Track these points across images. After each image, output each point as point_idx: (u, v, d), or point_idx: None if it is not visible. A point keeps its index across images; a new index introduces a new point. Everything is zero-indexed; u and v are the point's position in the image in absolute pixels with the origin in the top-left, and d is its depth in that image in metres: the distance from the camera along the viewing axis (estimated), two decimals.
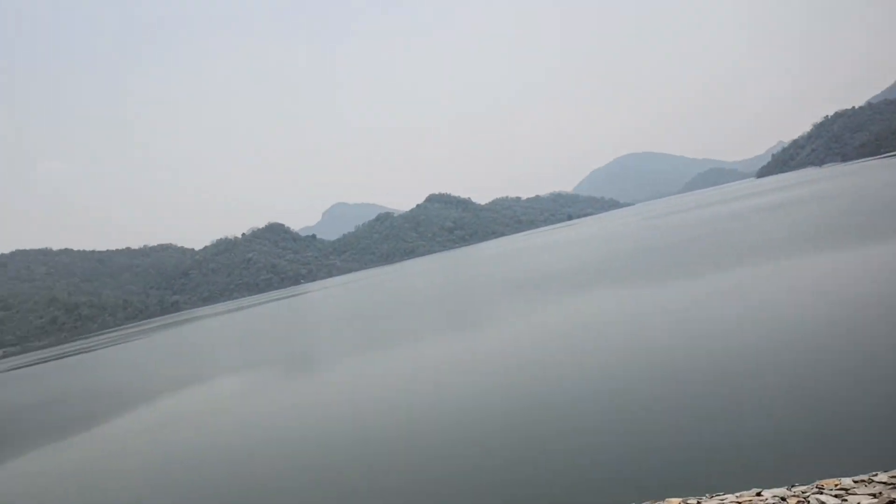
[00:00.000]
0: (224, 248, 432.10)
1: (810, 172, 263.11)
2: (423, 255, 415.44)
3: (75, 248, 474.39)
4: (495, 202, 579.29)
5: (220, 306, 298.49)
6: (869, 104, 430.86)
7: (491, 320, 47.20)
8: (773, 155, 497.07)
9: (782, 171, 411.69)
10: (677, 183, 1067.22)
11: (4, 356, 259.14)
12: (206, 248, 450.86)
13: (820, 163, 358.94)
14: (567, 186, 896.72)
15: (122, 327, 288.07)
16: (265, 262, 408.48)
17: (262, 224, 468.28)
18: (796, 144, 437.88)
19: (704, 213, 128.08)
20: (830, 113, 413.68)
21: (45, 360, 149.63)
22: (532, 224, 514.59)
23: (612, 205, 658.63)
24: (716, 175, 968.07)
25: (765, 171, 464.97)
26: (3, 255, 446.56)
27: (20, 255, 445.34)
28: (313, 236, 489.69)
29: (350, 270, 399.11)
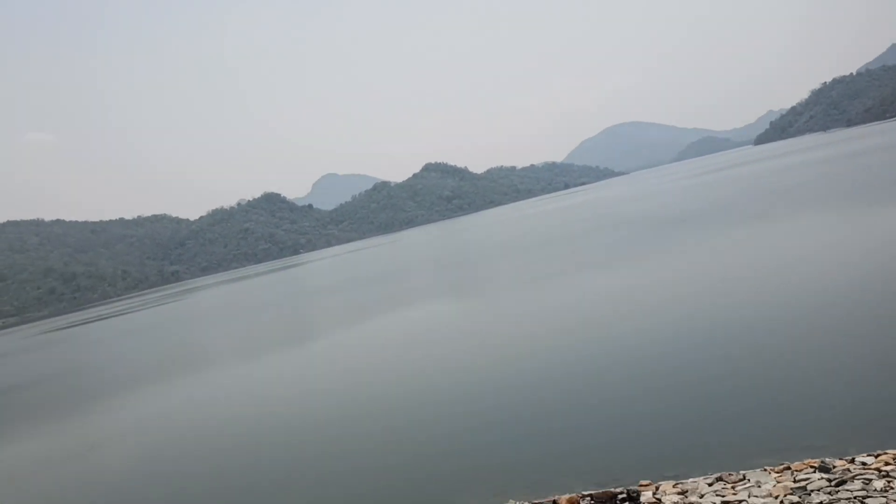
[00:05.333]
0: (220, 217, 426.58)
1: (817, 137, 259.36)
2: (422, 223, 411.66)
3: (67, 219, 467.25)
4: (491, 171, 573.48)
5: (221, 276, 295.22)
6: (867, 70, 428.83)
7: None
8: (770, 122, 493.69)
9: (781, 138, 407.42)
10: (670, 152, 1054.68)
11: (4, 326, 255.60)
12: (201, 218, 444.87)
13: (824, 128, 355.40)
14: (558, 156, 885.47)
15: (123, 297, 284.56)
16: (263, 232, 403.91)
17: (255, 195, 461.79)
18: (794, 112, 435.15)
19: (742, 170, 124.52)
20: (824, 81, 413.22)
21: (58, 329, 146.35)
22: (530, 193, 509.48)
23: (608, 173, 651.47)
24: (709, 144, 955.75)
25: (762, 139, 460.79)
26: None
27: (11, 227, 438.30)
28: (310, 206, 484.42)
29: (349, 240, 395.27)
